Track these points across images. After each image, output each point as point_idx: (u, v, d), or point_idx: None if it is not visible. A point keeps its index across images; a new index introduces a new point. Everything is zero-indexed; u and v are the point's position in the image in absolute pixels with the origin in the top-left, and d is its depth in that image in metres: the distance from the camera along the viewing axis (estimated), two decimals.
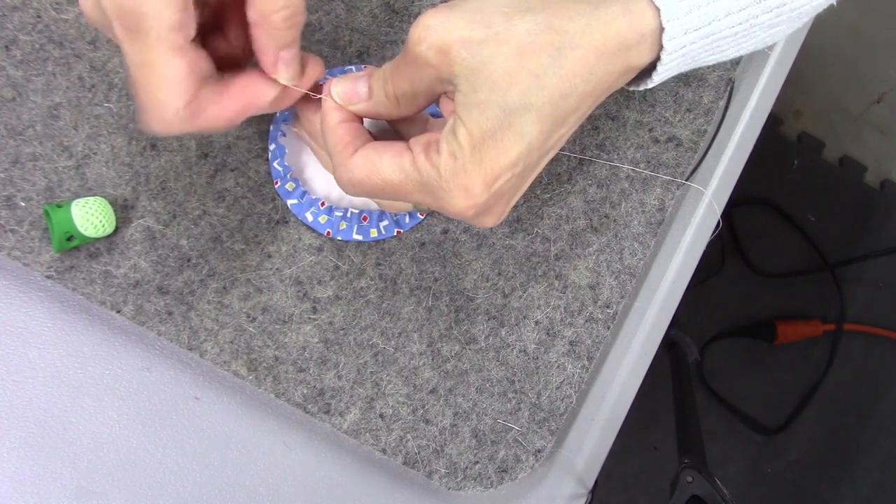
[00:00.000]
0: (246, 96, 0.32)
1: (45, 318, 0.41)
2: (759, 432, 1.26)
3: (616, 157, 0.45)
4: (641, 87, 0.35)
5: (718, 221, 0.47)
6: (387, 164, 0.32)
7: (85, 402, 0.40)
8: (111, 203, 0.40)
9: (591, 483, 0.44)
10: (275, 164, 0.42)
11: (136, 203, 0.41)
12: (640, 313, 0.46)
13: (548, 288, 0.43)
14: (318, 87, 0.35)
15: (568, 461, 0.44)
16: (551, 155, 0.33)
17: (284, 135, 0.42)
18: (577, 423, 0.44)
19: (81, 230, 0.38)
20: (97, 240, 0.40)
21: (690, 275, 0.47)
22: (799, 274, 1.29)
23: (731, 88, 0.46)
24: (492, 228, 0.43)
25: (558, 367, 0.43)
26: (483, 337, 0.42)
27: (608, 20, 0.30)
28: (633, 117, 0.45)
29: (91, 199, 0.39)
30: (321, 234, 0.42)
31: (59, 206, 0.38)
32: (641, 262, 0.44)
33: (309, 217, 0.41)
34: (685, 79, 0.46)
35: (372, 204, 0.42)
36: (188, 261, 0.41)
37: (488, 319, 0.43)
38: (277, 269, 0.41)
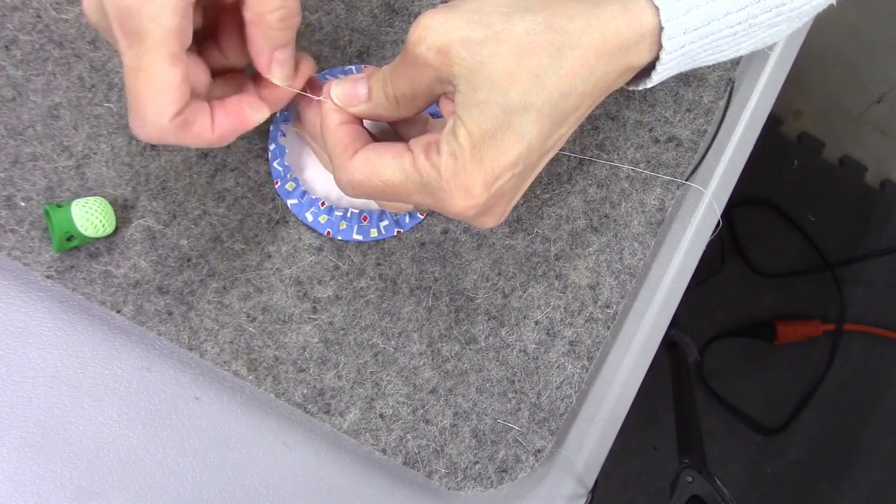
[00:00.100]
0: (236, 115, 0.32)
1: (45, 318, 0.41)
2: (759, 432, 1.26)
3: (616, 157, 0.45)
4: (641, 87, 0.35)
5: (718, 221, 0.47)
6: (387, 165, 0.32)
7: (85, 402, 0.40)
8: (111, 203, 0.40)
9: (591, 483, 0.44)
10: (275, 164, 0.42)
11: (136, 203, 0.41)
12: (640, 313, 0.46)
13: (548, 288, 0.43)
14: (318, 88, 0.35)
15: (568, 461, 0.44)
16: (551, 155, 0.33)
17: (284, 135, 0.42)
18: (577, 423, 0.44)
19: (81, 230, 0.38)
20: (97, 240, 0.40)
21: (690, 275, 0.47)
22: (799, 274, 1.29)
23: (731, 88, 0.46)
24: (492, 228, 0.43)
25: (558, 367, 0.43)
26: (483, 337, 0.42)
27: (607, 20, 0.30)
28: (633, 117, 0.45)
29: (91, 199, 0.39)
30: (321, 234, 0.42)
31: (59, 206, 0.38)
32: (641, 262, 0.44)
33: (309, 217, 0.41)
34: (685, 79, 0.46)
35: (372, 204, 0.42)
36: (188, 261, 0.41)
37: (488, 319, 0.43)
38: (277, 269, 0.41)
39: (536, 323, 0.43)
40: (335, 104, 0.34)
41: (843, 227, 1.32)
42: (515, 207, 0.43)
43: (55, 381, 0.40)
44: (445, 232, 0.43)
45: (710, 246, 0.47)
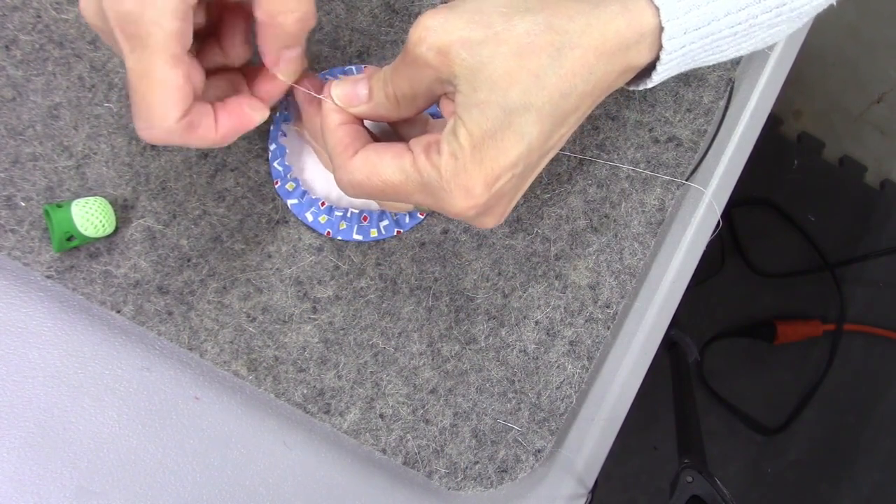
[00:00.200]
0: (238, 116, 0.33)
1: (45, 318, 0.41)
2: (759, 432, 1.26)
3: (616, 157, 0.45)
4: (641, 87, 0.35)
5: (718, 221, 0.47)
6: (387, 165, 0.32)
7: (85, 402, 0.40)
8: (111, 203, 0.40)
9: (591, 483, 0.44)
10: (275, 164, 0.42)
11: (136, 203, 0.41)
12: (640, 313, 0.46)
13: (548, 288, 0.43)
14: (319, 88, 0.35)
15: (568, 461, 0.44)
16: (551, 155, 0.33)
17: (285, 135, 0.42)
18: (577, 423, 0.44)
19: (81, 230, 0.38)
20: (97, 240, 0.40)
21: (690, 275, 0.47)
22: (799, 274, 1.29)
23: (731, 88, 0.46)
24: (492, 229, 0.43)
25: (558, 367, 0.43)
26: (483, 337, 0.42)
27: (607, 20, 0.30)
28: (633, 117, 0.45)
29: (91, 199, 0.39)
30: (321, 234, 0.42)
31: (59, 206, 0.38)
32: (641, 262, 0.44)
33: (309, 217, 0.41)
34: (685, 79, 0.46)
35: (372, 204, 0.42)
36: (188, 261, 0.41)
37: (488, 319, 0.43)
38: (277, 269, 0.41)
39: (536, 323, 0.43)
40: (336, 104, 0.34)
41: (843, 227, 1.32)
42: (515, 207, 0.43)
43: (55, 381, 0.40)
44: (445, 232, 0.43)
45: (710, 246, 0.47)
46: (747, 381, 1.28)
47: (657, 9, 0.30)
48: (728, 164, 0.48)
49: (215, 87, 0.35)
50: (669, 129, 0.45)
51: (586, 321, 0.43)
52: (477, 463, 0.42)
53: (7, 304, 0.40)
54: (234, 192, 0.42)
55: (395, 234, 0.42)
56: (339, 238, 0.42)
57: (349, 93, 0.34)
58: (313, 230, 0.42)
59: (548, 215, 0.44)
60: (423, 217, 0.43)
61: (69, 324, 0.41)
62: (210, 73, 0.35)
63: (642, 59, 0.32)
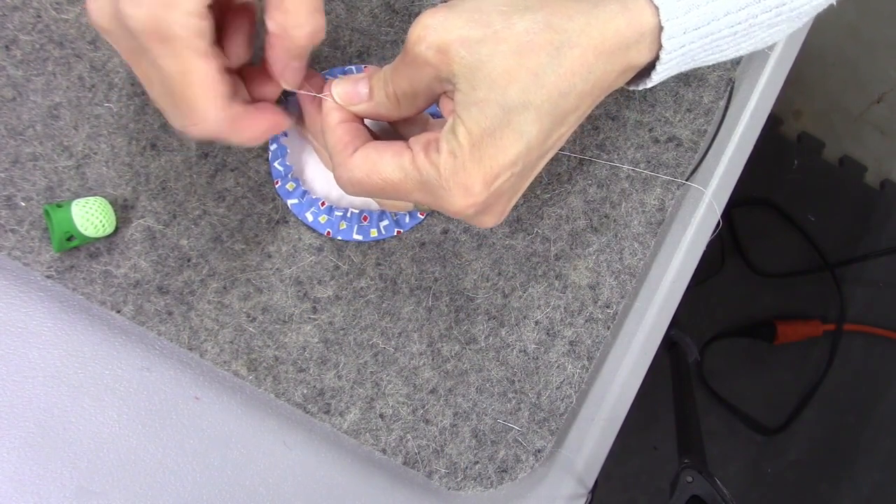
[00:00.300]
0: (271, 114, 0.34)
1: (45, 318, 0.41)
2: (759, 432, 1.26)
3: (616, 157, 0.45)
4: (641, 87, 0.35)
5: (718, 221, 0.47)
6: (386, 163, 0.32)
7: (85, 402, 0.40)
8: (111, 203, 0.40)
9: (591, 483, 0.44)
10: (276, 164, 0.42)
11: (136, 203, 0.41)
12: (640, 313, 0.46)
13: (548, 288, 0.43)
14: (320, 86, 0.35)
15: (568, 461, 0.44)
16: (551, 154, 0.33)
17: (286, 134, 0.42)
18: (577, 423, 0.44)
19: (81, 230, 0.38)
20: (97, 240, 0.40)
21: (690, 275, 0.47)
22: (799, 274, 1.29)
23: (731, 88, 0.46)
24: (492, 228, 0.43)
25: (558, 367, 0.43)
26: (483, 337, 0.42)
27: (607, 19, 0.30)
28: (633, 117, 0.45)
29: (91, 198, 0.39)
30: (321, 234, 0.42)
31: (59, 206, 0.38)
32: (641, 262, 0.44)
33: (309, 217, 0.41)
34: (685, 79, 0.46)
35: (372, 204, 0.42)
36: (188, 261, 0.41)
37: (488, 319, 0.43)
38: (277, 269, 0.41)
39: (536, 323, 0.43)
40: (336, 103, 0.34)
41: (843, 227, 1.32)
42: (515, 207, 0.43)
43: (55, 381, 0.40)
44: (445, 232, 0.43)
45: (710, 246, 0.47)
46: (747, 381, 1.28)
47: (657, 8, 0.30)
48: (728, 164, 0.48)
49: None
50: (669, 129, 0.45)
51: (586, 321, 0.43)
52: (477, 463, 0.41)
53: (7, 304, 0.40)
54: (234, 192, 0.42)
55: (395, 234, 0.42)
56: (339, 238, 0.42)
57: (350, 91, 0.34)
58: (313, 230, 0.42)
59: (548, 215, 0.44)
60: (423, 217, 0.43)
61: (69, 324, 0.41)
62: None
63: (642, 59, 0.32)
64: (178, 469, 0.41)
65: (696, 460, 0.55)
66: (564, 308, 0.43)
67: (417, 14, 0.39)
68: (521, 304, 0.43)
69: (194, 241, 0.41)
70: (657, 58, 0.32)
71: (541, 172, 0.44)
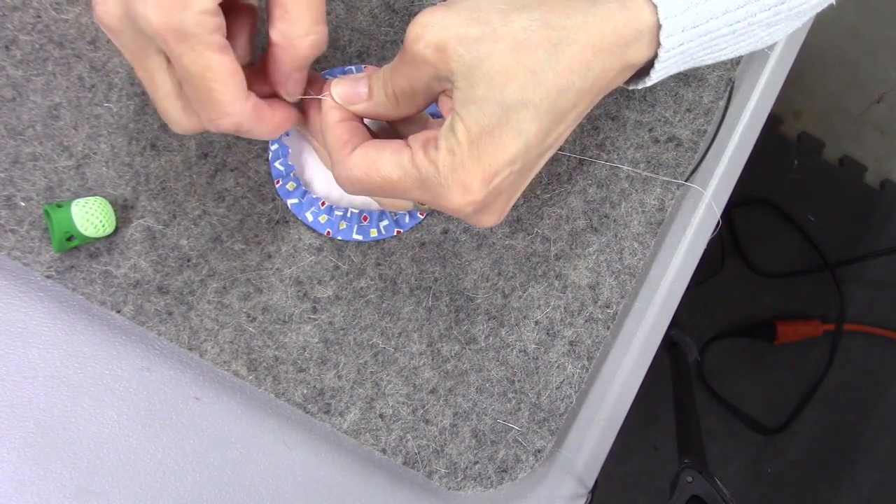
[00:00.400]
0: (287, 108, 0.34)
1: (45, 318, 0.41)
2: (759, 432, 1.26)
3: (616, 157, 0.45)
4: (640, 86, 0.35)
5: (718, 221, 0.47)
6: (385, 161, 0.32)
7: (85, 402, 0.40)
8: (111, 203, 0.40)
9: (591, 483, 0.44)
10: (276, 164, 0.42)
11: (136, 203, 0.41)
12: (640, 313, 0.46)
13: (548, 288, 0.43)
14: (319, 87, 0.35)
15: (568, 461, 0.44)
16: (550, 153, 0.33)
17: (287, 134, 0.42)
18: (577, 423, 0.44)
19: (81, 230, 0.38)
20: (97, 240, 0.40)
21: (690, 275, 0.47)
22: (799, 274, 1.29)
23: (731, 88, 0.46)
24: (492, 228, 0.43)
25: (558, 367, 0.43)
26: (483, 337, 0.42)
27: (605, 16, 0.30)
28: (633, 117, 0.45)
29: (91, 198, 0.39)
30: (321, 234, 0.42)
31: (59, 206, 0.38)
32: (641, 262, 0.44)
33: (309, 217, 0.41)
34: (685, 79, 0.46)
35: (372, 203, 0.42)
36: (188, 261, 0.41)
37: (488, 319, 0.43)
38: (277, 269, 0.41)
39: (536, 323, 0.43)
40: (336, 102, 0.34)
41: (843, 227, 1.32)
42: (515, 207, 0.43)
43: (55, 381, 0.40)
44: (445, 232, 0.43)
45: (710, 246, 0.47)
46: (747, 381, 1.28)
47: (655, 6, 0.30)
48: (728, 164, 0.48)
49: None
50: (669, 129, 0.45)
51: (586, 321, 0.43)
52: (477, 463, 0.41)
53: (7, 304, 0.40)
54: (234, 192, 0.42)
55: (395, 234, 0.42)
56: (339, 238, 0.42)
57: (349, 91, 0.34)
58: (313, 230, 0.42)
59: (548, 215, 0.44)
60: (423, 217, 0.43)
61: (69, 324, 0.41)
62: None
63: (640, 57, 0.32)
64: (178, 469, 0.41)
65: (696, 460, 0.55)
66: (564, 308, 0.43)
67: (417, 14, 0.39)
68: (521, 304, 0.43)
69: (194, 241, 0.41)
70: (656, 56, 0.32)
71: (540, 172, 0.44)
